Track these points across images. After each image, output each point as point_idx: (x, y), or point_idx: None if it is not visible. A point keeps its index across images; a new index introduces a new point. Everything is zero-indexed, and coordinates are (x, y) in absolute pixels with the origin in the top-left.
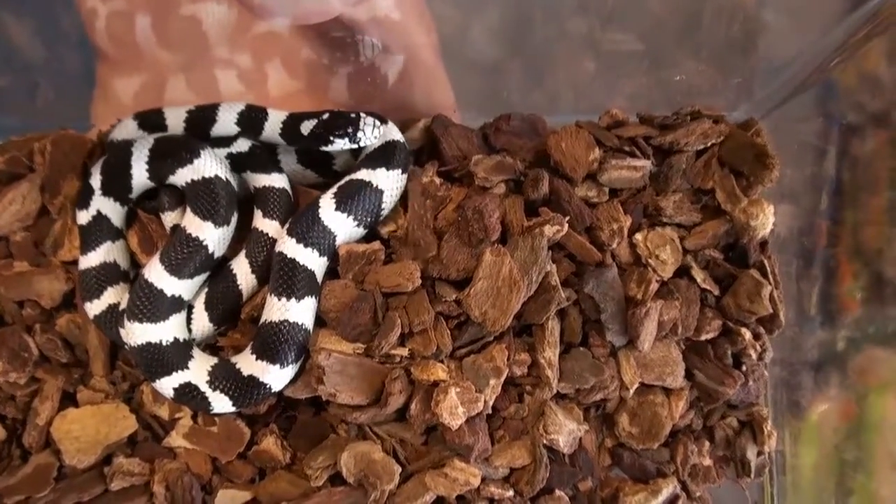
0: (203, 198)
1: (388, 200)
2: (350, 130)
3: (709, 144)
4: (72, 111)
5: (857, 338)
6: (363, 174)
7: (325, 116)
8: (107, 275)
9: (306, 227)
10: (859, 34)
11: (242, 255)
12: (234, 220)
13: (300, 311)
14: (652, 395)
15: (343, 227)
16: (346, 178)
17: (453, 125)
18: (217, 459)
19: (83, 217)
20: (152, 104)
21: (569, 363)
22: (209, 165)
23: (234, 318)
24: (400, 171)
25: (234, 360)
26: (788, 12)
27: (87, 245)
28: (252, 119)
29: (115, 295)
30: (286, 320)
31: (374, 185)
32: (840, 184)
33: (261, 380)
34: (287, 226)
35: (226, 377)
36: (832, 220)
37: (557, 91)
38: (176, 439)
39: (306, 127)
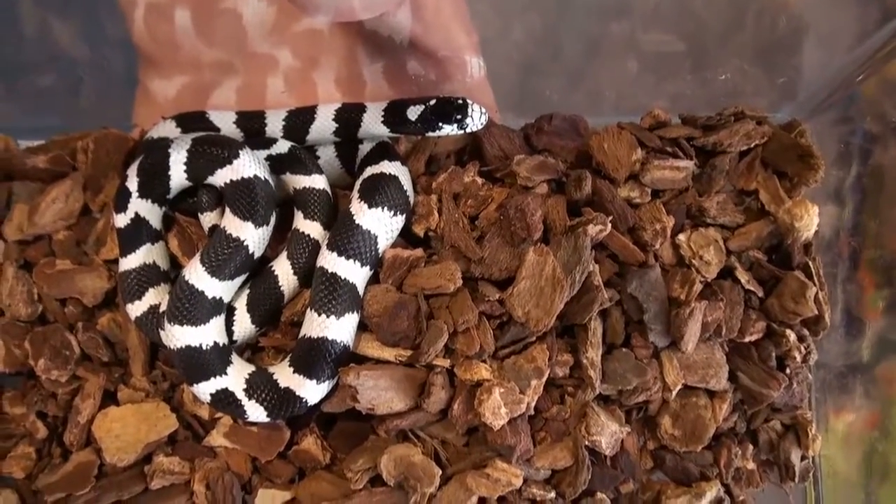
0: (243, 198)
1: (406, 185)
2: (459, 117)
3: (752, 145)
4: (114, 111)
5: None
6: (370, 170)
7: (433, 102)
8: (147, 276)
9: (346, 237)
10: None
11: (284, 256)
12: (273, 220)
13: (339, 329)
14: (695, 398)
15: (382, 223)
16: (359, 182)
17: (495, 125)
18: (257, 459)
19: (121, 220)
20: (193, 105)
21: (611, 364)
22: (248, 165)
23: (276, 319)
24: (399, 161)
25: (271, 370)
26: (832, 13)
27: (127, 248)
28: (350, 115)
29: (156, 296)
30: (325, 337)
31: (388, 173)
32: (874, 188)
33: (297, 393)
34: (327, 241)
35: (263, 387)
36: (868, 222)
37: (599, 92)
38: (216, 438)
39: (413, 112)
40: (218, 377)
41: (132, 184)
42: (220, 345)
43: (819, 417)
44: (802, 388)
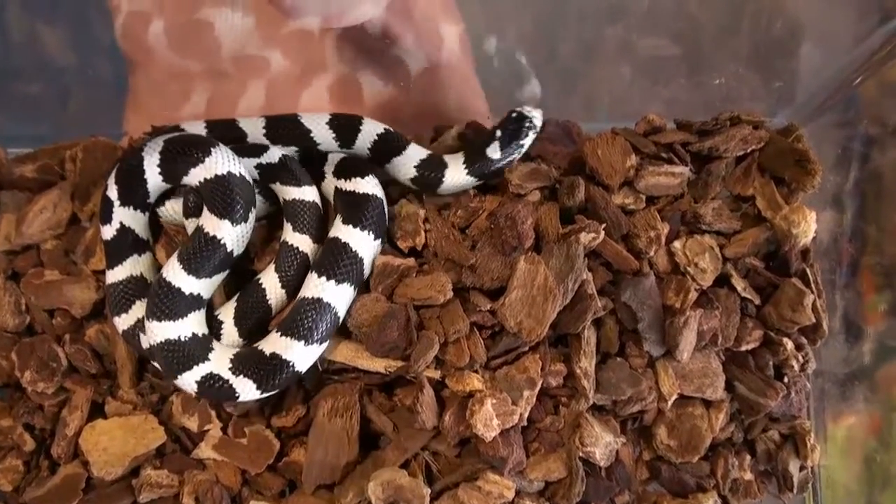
0: (218, 196)
1: None
2: (528, 125)
3: (748, 150)
4: (103, 119)
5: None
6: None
7: (499, 133)
8: (134, 288)
9: (364, 210)
10: None
11: (272, 269)
12: (252, 216)
13: (336, 294)
14: (691, 408)
15: (378, 187)
16: (338, 163)
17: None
18: (247, 471)
19: (107, 232)
20: (185, 112)
21: (605, 374)
22: (221, 162)
23: (263, 332)
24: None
25: (257, 344)
26: (829, 16)
27: (113, 260)
28: (431, 169)
29: (143, 309)
30: (320, 299)
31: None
32: (874, 191)
33: (283, 357)
34: (341, 217)
35: (248, 360)
36: (867, 227)
37: (593, 97)
38: (205, 451)
39: (493, 150)
40: (201, 364)
41: (112, 192)
42: (200, 335)
43: (818, 427)
44: (801, 397)
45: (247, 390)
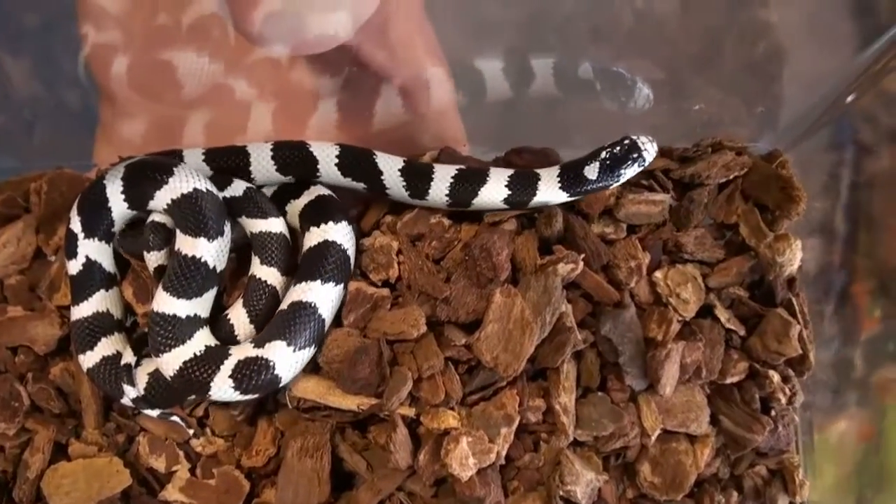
0: (188, 214)
1: None
2: (635, 155)
3: (731, 177)
4: (70, 150)
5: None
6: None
7: (604, 154)
8: (100, 325)
9: (327, 208)
10: (882, 62)
11: (240, 304)
12: (227, 230)
13: (339, 233)
14: (675, 443)
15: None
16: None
17: (462, 158)
18: None
19: (73, 267)
20: (158, 144)
21: (586, 409)
22: (185, 181)
23: None
24: None
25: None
26: (811, 40)
27: (79, 295)
28: (524, 182)
29: (108, 346)
30: (326, 240)
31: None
32: (862, 206)
33: (304, 300)
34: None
35: (270, 328)
36: (853, 245)
37: (572, 123)
38: (172, 493)
39: (591, 171)
40: (226, 361)
41: (76, 225)
42: (213, 345)
43: (807, 461)
44: (789, 430)
45: (279, 354)
